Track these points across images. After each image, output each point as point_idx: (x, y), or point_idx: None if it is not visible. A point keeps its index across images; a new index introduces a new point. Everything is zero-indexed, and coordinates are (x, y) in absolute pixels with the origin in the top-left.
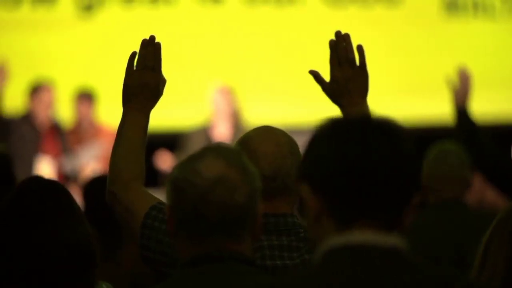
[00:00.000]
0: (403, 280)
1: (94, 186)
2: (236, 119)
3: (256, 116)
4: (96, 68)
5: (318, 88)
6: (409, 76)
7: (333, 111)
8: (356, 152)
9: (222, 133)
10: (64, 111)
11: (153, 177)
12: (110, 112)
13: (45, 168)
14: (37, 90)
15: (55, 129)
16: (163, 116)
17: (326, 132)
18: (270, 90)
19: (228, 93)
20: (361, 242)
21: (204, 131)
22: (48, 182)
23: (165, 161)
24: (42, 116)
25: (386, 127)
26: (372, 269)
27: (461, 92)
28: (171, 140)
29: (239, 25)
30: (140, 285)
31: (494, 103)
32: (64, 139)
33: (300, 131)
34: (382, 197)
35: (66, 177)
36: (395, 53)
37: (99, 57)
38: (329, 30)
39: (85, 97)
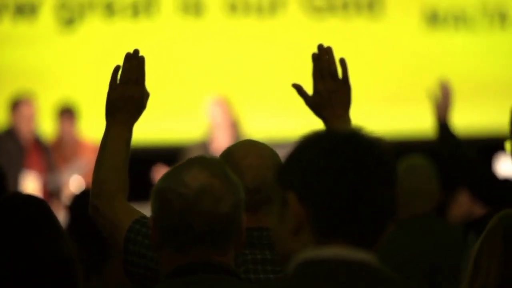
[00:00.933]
0: None
1: (80, 200)
2: (234, 130)
3: (248, 127)
4: (78, 82)
5: (300, 99)
6: (390, 89)
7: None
8: (349, 172)
9: (221, 146)
10: (46, 126)
11: (148, 191)
12: (92, 126)
13: (31, 184)
14: (17, 104)
15: (39, 144)
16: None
17: (319, 144)
18: (255, 102)
19: (224, 104)
20: (333, 256)
21: (204, 145)
22: (30, 198)
23: (161, 175)
24: (25, 131)
25: (375, 146)
26: (342, 282)
27: (443, 105)
28: (169, 154)
29: (221, 37)
30: None
31: (476, 115)
32: (49, 155)
33: (288, 144)
34: (366, 217)
35: (50, 194)
36: (376, 65)
37: (81, 70)
38: (310, 41)
39: (67, 113)
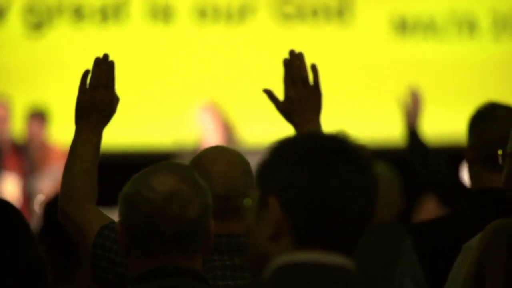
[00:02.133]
0: None
1: (53, 205)
2: (227, 133)
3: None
4: (48, 86)
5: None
6: (359, 96)
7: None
8: (334, 182)
9: None
10: (15, 129)
11: None
12: (61, 131)
13: (10, 186)
14: None
15: (17, 146)
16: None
17: (302, 148)
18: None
19: (212, 110)
20: (310, 260)
21: (195, 152)
22: None
23: None
24: (0, 133)
25: (361, 157)
26: (318, 286)
27: (413, 113)
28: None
29: (190, 43)
30: None
31: (445, 124)
32: (28, 157)
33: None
34: (347, 223)
35: (29, 197)
36: (345, 72)
37: (51, 75)
38: (279, 48)
39: (37, 116)
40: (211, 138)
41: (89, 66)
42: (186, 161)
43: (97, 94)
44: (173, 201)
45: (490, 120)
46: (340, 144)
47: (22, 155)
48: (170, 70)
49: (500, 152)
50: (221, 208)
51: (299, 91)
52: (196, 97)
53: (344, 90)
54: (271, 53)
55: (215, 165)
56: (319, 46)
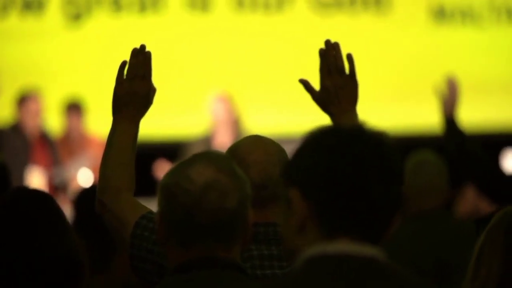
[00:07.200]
0: None
1: (86, 196)
2: (236, 127)
3: (253, 123)
4: (85, 77)
5: (308, 96)
6: (397, 85)
7: (325, 118)
8: (351, 166)
9: (223, 141)
10: (53, 121)
11: (150, 186)
12: (98, 122)
13: (36, 179)
14: (24, 100)
15: (45, 139)
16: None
17: (321, 140)
18: (262, 98)
19: (227, 101)
20: (339, 252)
21: (205, 141)
22: (36, 192)
23: (163, 170)
24: (30, 126)
25: (379, 141)
26: (350, 278)
27: (450, 101)
28: (170, 150)
29: (228, 32)
30: None
31: (482, 111)
32: (54, 150)
33: (293, 140)
34: (370, 212)
35: (56, 188)
36: (383, 61)
37: (88, 66)
38: (317, 38)
39: (74, 108)
40: (222, 129)
41: (127, 56)
42: (197, 150)
43: (134, 85)
44: (211, 192)
45: None
46: (357, 132)
47: (51, 148)
48: (207, 60)
49: None
50: (258, 197)
51: (335, 81)
52: (232, 87)
53: (382, 79)
54: (308, 43)
55: (252, 154)
56: (357, 36)
